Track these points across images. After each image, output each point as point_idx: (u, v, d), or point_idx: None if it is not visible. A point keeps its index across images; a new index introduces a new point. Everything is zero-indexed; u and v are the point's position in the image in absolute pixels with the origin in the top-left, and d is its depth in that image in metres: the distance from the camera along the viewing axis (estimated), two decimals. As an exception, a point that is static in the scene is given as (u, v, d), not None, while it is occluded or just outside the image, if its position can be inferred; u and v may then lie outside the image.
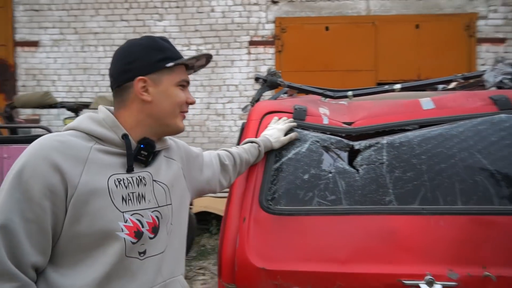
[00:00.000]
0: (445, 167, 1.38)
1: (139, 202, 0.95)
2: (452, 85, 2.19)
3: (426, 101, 1.61)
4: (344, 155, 1.50)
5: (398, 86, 1.99)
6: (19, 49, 6.37)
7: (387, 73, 5.83)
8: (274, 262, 1.31)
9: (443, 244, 1.29)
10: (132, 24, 6.07)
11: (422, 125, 1.49)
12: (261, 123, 1.62)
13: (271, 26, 6.01)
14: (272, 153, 1.49)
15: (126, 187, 0.93)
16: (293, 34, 5.98)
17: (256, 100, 1.96)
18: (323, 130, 1.56)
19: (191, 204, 4.54)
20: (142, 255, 0.94)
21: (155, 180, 1.01)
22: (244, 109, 2.04)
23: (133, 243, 0.91)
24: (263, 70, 5.77)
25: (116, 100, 1.01)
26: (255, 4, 6.01)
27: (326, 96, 2.05)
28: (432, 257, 1.28)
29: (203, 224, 4.87)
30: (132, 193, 0.94)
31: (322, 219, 1.37)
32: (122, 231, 0.90)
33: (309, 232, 1.35)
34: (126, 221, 0.91)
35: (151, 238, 0.96)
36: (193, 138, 5.99)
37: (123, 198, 0.92)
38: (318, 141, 1.51)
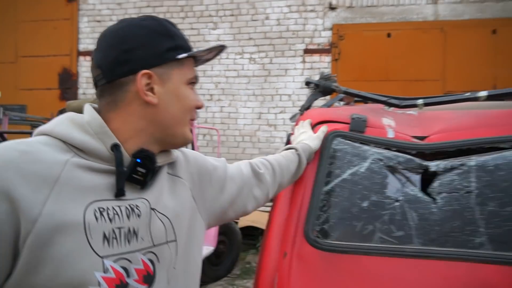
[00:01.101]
0: None
1: (128, 242, 0.68)
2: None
3: (528, 112, 1.24)
4: (416, 178, 1.17)
5: (483, 93, 1.62)
6: (81, 58, 6.65)
7: (456, 83, 5.26)
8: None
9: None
10: (187, 33, 6.06)
11: (526, 142, 1.13)
12: (310, 134, 1.34)
13: (328, 33, 5.71)
14: (322, 172, 1.21)
15: (111, 220, 0.67)
16: (351, 41, 5.62)
17: (306, 108, 1.68)
18: (388, 145, 1.25)
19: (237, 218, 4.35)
20: None
21: (153, 209, 0.74)
22: (292, 118, 1.77)
23: None
24: (318, 79, 5.46)
25: (104, 100, 0.74)
26: (312, 11, 5.76)
27: (391, 105, 1.72)
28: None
29: (249, 239, 4.62)
30: (119, 228, 0.68)
31: (386, 261, 1.06)
32: (99, 286, 0.63)
33: (368, 277, 1.04)
34: (106, 271, 0.64)
35: None
36: (243, 149, 5.81)
37: (105, 236, 0.66)
38: (381, 159, 1.20)
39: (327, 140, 1.28)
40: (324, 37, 5.73)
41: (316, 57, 5.72)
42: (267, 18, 5.89)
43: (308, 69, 5.71)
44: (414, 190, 1.14)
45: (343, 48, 5.66)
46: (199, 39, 6.03)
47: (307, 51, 5.75)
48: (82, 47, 6.61)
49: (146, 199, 0.73)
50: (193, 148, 3.67)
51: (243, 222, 4.52)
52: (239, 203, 0.96)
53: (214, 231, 3.62)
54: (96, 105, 0.75)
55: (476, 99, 1.67)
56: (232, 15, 6.00)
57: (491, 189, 1.06)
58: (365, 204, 1.13)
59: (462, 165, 1.13)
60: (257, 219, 4.55)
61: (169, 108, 0.75)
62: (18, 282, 0.60)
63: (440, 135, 1.28)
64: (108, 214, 0.66)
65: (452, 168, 1.13)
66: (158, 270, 0.72)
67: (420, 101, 1.68)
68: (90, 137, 0.69)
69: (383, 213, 1.11)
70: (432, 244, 1.05)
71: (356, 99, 2.06)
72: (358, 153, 1.24)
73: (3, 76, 6.84)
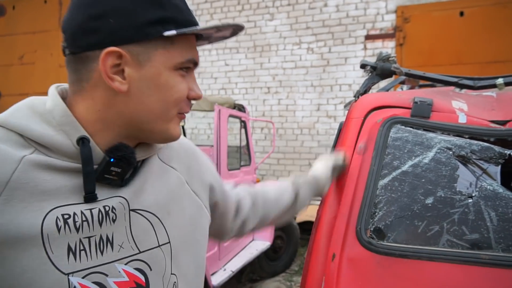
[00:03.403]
0: None
1: (101, 252, 0.56)
2: None
3: None
4: (495, 170, 0.97)
5: None
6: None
7: (544, 62, 4.63)
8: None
9: None
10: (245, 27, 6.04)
11: None
12: (364, 122, 1.18)
13: (391, 16, 5.33)
14: (377, 164, 1.05)
15: (77, 229, 0.54)
16: (418, 23, 5.19)
17: (361, 93, 1.52)
18: (459, 132, 1.06)
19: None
20: None
21: (134, 210, 0.61)
22: (346, 105, 1.61)
23: None
24: (381, 67, 5.13)
25: (69, 77, 0.59)
26: (374, -7, 5.41)
27: (463, 87, 1.50)
28: None
29: (307, 234, 4.48)
30: (89, 237, 0.55)
31: (456, 269, 0.88)
32: None
33: (434, 287, 0.88)
34: None
35: None
36: (302, 142, 5.65)
37: (70, 249, 0.53)
38: (450, 148, 1.02)
39: (383, 128, 1.12)
40: (387, 21, 5.36)
41: (378, 43, 5.38)
42: (325, 5, 5.65)
43: (370, 56, 5.38)
44: (493, 185, 0.94)
45: (409, 32, 5.24)
46: (256, 31, 5.96)
47: (368, 37, 5.42)
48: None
49: (123, 197, 0.60)
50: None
51: (301, 216, 4.39)
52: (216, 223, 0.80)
53: (270, 226, 3.54)
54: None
55: None
56: (288, 4, 5.85)
57: None
58: (429, 200, 0.96)
59: (556, 153, 0.91)
60: (315, 213, 4.39)
61: (144, 99, 0.58)
62: None
63: (526, 118, 1.06)
64: (74, 221, 0.54)
65: (543, 158, 0.92)
66: (151, 279, 0.61)
67: (500, 80, 1.44)
68: (52, 129, 0.55)
69: (453, 212, 0.93)
70: (517, 250, 0.86)
71: (421, 82, 1.84)
72: (421, 142, 1.06)
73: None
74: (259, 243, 3.48)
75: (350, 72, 5.47)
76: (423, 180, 1.00)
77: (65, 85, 0.62)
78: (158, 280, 0.62)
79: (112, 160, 0.57)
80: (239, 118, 3.37)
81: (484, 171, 0.97)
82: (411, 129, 1.11)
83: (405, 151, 1.06)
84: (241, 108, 3.45)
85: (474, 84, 1.50)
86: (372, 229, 0.97)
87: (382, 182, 1.03)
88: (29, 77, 7.80)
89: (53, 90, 0.59)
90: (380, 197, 1.01)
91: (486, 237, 0.89)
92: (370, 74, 1.57)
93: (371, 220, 0.98)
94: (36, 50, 7.77)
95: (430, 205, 0.96)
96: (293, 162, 5.69)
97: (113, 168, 0.57)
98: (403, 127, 1.12)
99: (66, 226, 0.53)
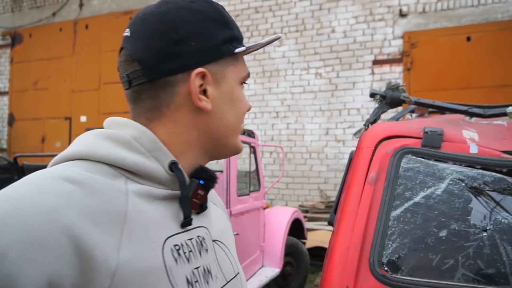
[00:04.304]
0: None
1: (207, 283, 0.56)
2: None
3: None
4: (509, 202, 0.96)
5: None
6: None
7: (555, 87, 4.62)
8: None
9: None
10: (253, 52, 6.15)
11: None
12: (375, 152, 1.19)
13: (398, 42, 5.40)
14: (389, 195, 1.05)
15: (188, 260, 0.54)
16: (425, 48, 5.25)
17: (371, 122, 1.53)
18: (471, 162, 1.06)
19: (304, 237, 4.18)
20: None
21: (214, 241, 0.62)
22: (356, 133, 1.62)
23: None
24: (389, 91, 5.16)
25: (142, 106, 0.58)
26: (380, 20, 5.50)
27: (473, 115, 1.50)
28: None
29: (317, 260, 4.41)
30: (197, 268, 0.55)
31: (473, 304, 0.87)
32: None
33: (450, 323, 0.86)
34: None
35: None
36: (311, 166, 5.64)
37: (187, 281, 0.52)
38: (462, 180, 1.01)
39: (394, 158, 1.13)
40: (395, 46, 5.42)
41: (386, 68, 5.43)
42: (333, 31, 5.75)
43: (378, 80, 5.43)
44: (508, 217, 0.93)
45: (416, 57, 5.29)
46: (265, 57, 6.07)
47: (376, 62, 5.48)
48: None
49: (205, 228, 0.60)
50: (257, 170, 3.61)
51: (311, 242, 4.33)
52: None
53: (280, 252, 3.50)
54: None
55: None
56: (297, 30, 5.96)
57: None
58: (443, 233, 0.96)
59: None
60: (326, 239, 4.34)
61: (224, 115, 0.60)
62: None
63: (538, 148, 1.06)
64: (184, 252, 0.53)
65: (557, 190, 0.91)
66: None
67: (510, 109, 1.45)
68: (143, 157, 0.54)
69: (467, 245, 0.92)
70: (535, 285, 0.84)
71: (430, 110, 1.85)
72: (433, 172, 1.06)
73: (88, 102, 7.51)
74: (269, 270, 3.43)
75: (358, 96, 5.51)
76: (436, 212, 0.99)
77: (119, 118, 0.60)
78: None
79: (201, 182, 0.58)
80: (249, 143, 3.39)
81: (498, 203, 0.96)
82: (422, 159, 1.11)
83: (417, 181, 1.06)
84: (250, 133, 3.47)
85: (484, 112, 1.50)
86: (385, 261, 0.96)
87: (394, 213, 1.03)
88: (42, 102, 7.99)
89: (125, 120, 0.58)
90: (393, 229, 1.00)
91: (502, 272, 0.87)
92: (379, 103, 1.59)
93: (384, 252, 0.97)
94: (50, 76, 7.99)
95: (444, 237, 0.95)
96: (302, 187, 5.67)
97: (199, 192, 0.58)
98: (414, 157, 1.12)
99: (180, 258, 0.52)
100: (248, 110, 0.65)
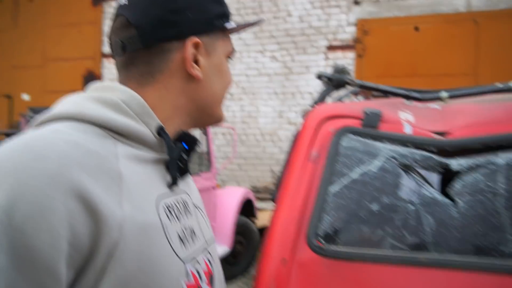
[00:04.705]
0: None
1: (193, 241, 0.60)
2: None
3: None
4: (435, 178, 1.04)
5: (516, 83, 1.46)
6: (105, 60, 6.75)
7: (489, 77, 4.97)
8: (322, 330, 0.91)
9: None
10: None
11: None
12: (318, 131, 1.23)
13: (352, 29, 5.54)
14: (329, 172, 1.10)
15: (178, 218, 0.57)
16: (376, 36, 5.43)
17: (317, 103, 1.57)
18: (404, 142, 1.13)
19: (254, 217, 4.27)
20: None
21: (195, 206, 0.67)
22: (303, 114, 1.66)
23: None
24: (342, 76, 5.30)
25: (135, 71, 0.60)
26: (336, 6, 5.60)
27: (411, 99, 1.59)
28: None
29: (269, 240, 4.52)
30: (185, 227, 0.59)
31: (398, 270, 0.94)
32: None
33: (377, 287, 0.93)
34: (188, 276, 0.55)
35: None
36: (264, 148, 5.72)
37: (179, 237, 0.56)
38: (395, 158, 1.08)
39: (335, 137, 1.17)
40: (348, 33, 5.56)
41: (339, 54, 5.56)
42: (289, 15, 5.77)
43: (331, 66, 5.55)
44: (432, 192, 1.01)
45: (368, 44, 5.46)
46: (220, 37, 6.00)
47: (330, 48, 5.60)
48: (106, 49, 6.71)
49: (187, 193, 0.64)
50: (208, 150, 3.61)
51: (262, 222, 4.43)
52: None
53: (230, 231, 3.55)
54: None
55: (509, 90, 1.51)
56: (253, 13, 5.93)
57: (521, 191, 0.92)
58: (375, 207, 1.02)
59: (489, 163, 0.99)
60: (277, 219, 4.44)
61: (212, 85, 0.63)
62: None
63: (465, 130, 1.14)
64: (174, 211, 0.57)
65: (477, 167, 0.99)
66: (214, 270, 0.65)
67: (444, 94, 1.54)
68: (133, 120, 0.55)
69: (396, 218, 0.99)
70: (452, 252, 0.93)
71: (376, 94, 1.93)
72: (369, 151, 1.12)
73: (32, 79, 7.06)
74: (219, 249, 3.48)
75: (311, 80, 5.61)
76: (371, 188, 1.05)
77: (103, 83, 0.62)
78: (217, 271, 0.66)
79: (184, 145, 0.60)
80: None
81: (425, 179, 1.04)
82: (361, 138, 1.16)
83: (355, 159, 1.11)
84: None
85: (422, 96, 1.59)
86: (321, 234, 1.01)
87: (332, 189, 1.08)
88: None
89: (116, 84, 0.59)
90: (330, 204, 1.05)
91: (424, 241, 0.95)
92: (326, 85, 1.63)
93: (321, 226, 1.02)
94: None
95: (375, 211, 1.01)
96: (254, 168, 5.74)
97: (183, 155, 0.60)
98: (353, 136, 1.17)
99: (171, 216, 0.55)
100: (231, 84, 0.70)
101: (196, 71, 0.60)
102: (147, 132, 0.56)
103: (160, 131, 0.57)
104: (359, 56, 5.49)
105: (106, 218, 0.46)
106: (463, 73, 5.06)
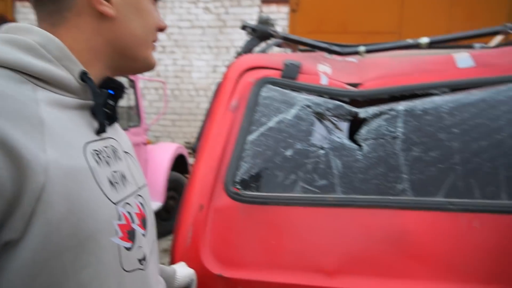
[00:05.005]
0: (486, 146, 0.98)
1: (124, 186, 0.59)
2: (495, 42, 1.74)
3: (463, 57, 1.19)
4: (344, 125, 1.11)
5: (425, 39, 1.57)
6: (18, 4, 6.04)
7: (412, 35, 5.24)
8: (236, 268, 0.97)
9: (477, 254, 0.92)
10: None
11: (456, 87, 1.08)
12: (238, 81, 1.23)
13: (286, -18, 5.46)
14: (247, 121, 1.12)
15: (108, 163, 0.56)
16: (310, -9, 5.42)
17: (241, 53, 1.57)
18: (319, 92, 1.18)
19: (187, 172, 4.26)
20: (143, 262, 0.60)
21: (125, 152, 0.66)
22: (227, 64, 1.65)
23: (128, 248, 0.57)
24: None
25: (44, 10, 0.56)
26: (270, -43, 5.45)
27: (332, 52, 1.64)
28: (460, 272, 0.91)
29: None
30: (115, 172, 0.58)
31: (307, 211, 1.01)
32: (116, 235, 0.54)
33: (288, 229, 1.00)
34: (119, 218, 0.55)
35: (144, 236, 0.62)
36: (198, 103, 5.63)
37: (110, 181, 0.55)
38: (309, 106, 1.13)
39: (255, 87, 1.19)
40: (282, -14, 5.48)
41: (273, 8, 5.50)
42: (222, -36, 5.53)
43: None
44: (341, 137, 1.08)
45: (302, -1, 5.46)
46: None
47: (264, 1, 5.50)
48: (18, -9, 5.98)
49: (115, 139, 0.63)
50: (137, 105, 3.47)
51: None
52: None
53: (162, 187, 3.54)
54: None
55: (418, 45, 1.62)
56: (185, -41, 5.58)
57: (416, 134, 1.02)
58: (289, 153, 1.07)
59: (390, 110, 1.07)
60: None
61: (129, 23, 0.59)
62: (27, 255, 0.46)
63: (375, 81, 1.21)
64: (103, 156, 0.56)
65: (380, 114, 1.08)
66: (147, 213, 0.65)
67: (361, 48, 1.61)
68: (52, 65, 0.52)
69: (306, 162, 1.05)
70: (355, 192, 1.01)
71: (302, 47, 1.96)
72: (286, 100, 1.15)
73: None
74: (152, 204, 3.47)
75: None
76: (285, 134, 1.09)
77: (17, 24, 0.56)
78: (149, 214, 0.66)
79: (110, 91, 0.58)
80: (127, 77, 3.21)
81: (336, 126, 1.10)
82: (280, 88, 1.19)
83: (272, 109, 1.14)
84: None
85: (342, 50, 1.65)
86: (238, 180, 1.05)
87: (250, 138, 1.10)
88: None
89: (28, 25, 0.53)
90: (248, 151, 1.08)
91: (332, 183, 1.03)
92: (250, 35, 1.62)
93: (238, 173, 1.05)
94: None
95: (289, 157, 1.06)
96: (188, 124, 5.67)
97: (109, 101, 0.59)
98: (273, 87, 1.20)
99: (100, 161, 0.54)
100: (163, 28, 0.65)
101: (105, 7, 0.56)
102: (69, 77, 0.53)
103: (83, 76, 0.54)
104: (293, 11, 5.48)
105: (29, 162, 0.44)
106: (389, 31, 5.30)
